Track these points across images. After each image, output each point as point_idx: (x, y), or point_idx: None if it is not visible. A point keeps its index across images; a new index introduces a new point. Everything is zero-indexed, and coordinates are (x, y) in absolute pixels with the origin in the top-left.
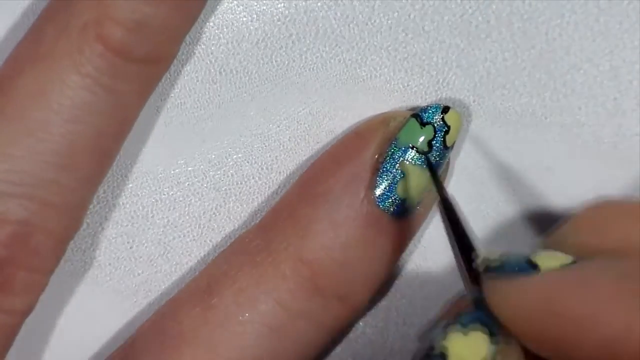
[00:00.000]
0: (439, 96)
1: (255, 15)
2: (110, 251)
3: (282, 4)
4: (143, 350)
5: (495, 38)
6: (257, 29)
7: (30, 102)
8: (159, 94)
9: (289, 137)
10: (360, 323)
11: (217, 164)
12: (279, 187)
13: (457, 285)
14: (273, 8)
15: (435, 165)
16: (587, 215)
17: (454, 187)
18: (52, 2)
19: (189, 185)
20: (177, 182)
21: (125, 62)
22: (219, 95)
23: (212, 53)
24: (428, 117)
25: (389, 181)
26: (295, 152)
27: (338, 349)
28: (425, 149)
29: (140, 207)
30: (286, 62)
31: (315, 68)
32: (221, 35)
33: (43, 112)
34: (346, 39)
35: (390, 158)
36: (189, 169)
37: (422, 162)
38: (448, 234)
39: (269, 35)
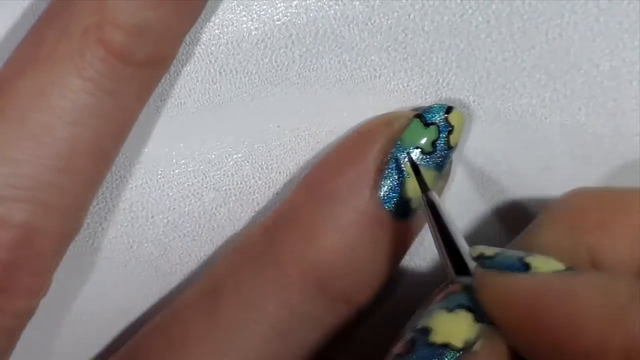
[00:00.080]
0: (439, 96)
1: (255, 16)
2: (110, 251)
3: (282, 4)
4: (147, 351)
5: (495, 38)
6: (257, 29)
7: (32, 105)
8: (159, 94)
9: (289, 137)
10: (361, 322)
11: (217, 164)
12: (279, 187)
13: None
14: (273, 8)
15: (438, 166)
16: (561, 204)
17: (454, 187)
18: (52, 5)
19: (189, 186)
20: (177, 182)
21: (126, 65)
22: (219, 96)
23: (212, 53)
24: (432, 117)
25: (394, 182)
26: (296, 153)
27: (338, 348)
28: (429, 149)
29: (140, 207)
30: (286, 63)
31: (315, 68)
32: (221, 35)
33: (44, 115)
34: (346, 39)
35: (394, 159)
36: (189, 169)
37: (426, 162)
38: (431, 226)
39: (268, 35)
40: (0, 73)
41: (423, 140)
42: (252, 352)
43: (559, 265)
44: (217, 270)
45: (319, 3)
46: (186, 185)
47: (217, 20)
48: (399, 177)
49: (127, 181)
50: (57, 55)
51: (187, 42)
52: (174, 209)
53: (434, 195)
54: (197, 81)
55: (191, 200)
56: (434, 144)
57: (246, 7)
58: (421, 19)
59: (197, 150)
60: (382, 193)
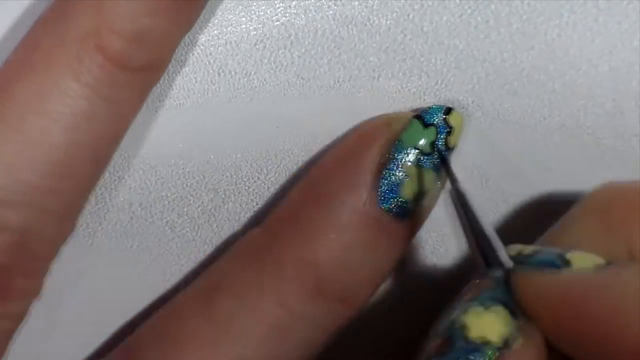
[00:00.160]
0: (438, 97)
1: (254, 16)
2: (109, 251)
3: (281, 5)
4: (145, 350)
5: (494, 39)
6: (255, 30)
7: (29, 110)
8: (158, 95)
9: (288, 137)
10: (359, 322)
11: (216, 164)
12: (278, 188)
13: (456, 284)
14: (272, 9)
15: (437, 167)
16: (594, 198)
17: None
18: (49, 10)
19: (188, 186)
20: (176, 183)
21: (124, 71)
22: (217, 96)
23: (210, 54)
24: (431, 118)
25: (393, 183)
26: (294, 153)
27: (337, 348)
28: (428, 150)
29: (139, 208)
30: (285, 63)
31: (313, 69)
32: (220, 35)
33: (41, 120)
34: (345, 40)
35: (393, 160)
36: (188, 169)
37: (426, 163)
38: (462, 222)
39: (267, 36)
40: None
41: (422, 141)
42: (250, 352)
43: (599, 260)
44: (216, 269)
45: (317, 4)
46: (185, 185)
47: (216, 21)
48: (398, 178)
49: (125, 181)
50: (54, 61)
51: (186, 43)
52: (172, 209)
53: (462, 187)
54: (196, 82)
55: (190, 200)
56: (433, 144)
57: (245, 8)
58: (420, 20)
59: (196, 150)
60: (381, 194)
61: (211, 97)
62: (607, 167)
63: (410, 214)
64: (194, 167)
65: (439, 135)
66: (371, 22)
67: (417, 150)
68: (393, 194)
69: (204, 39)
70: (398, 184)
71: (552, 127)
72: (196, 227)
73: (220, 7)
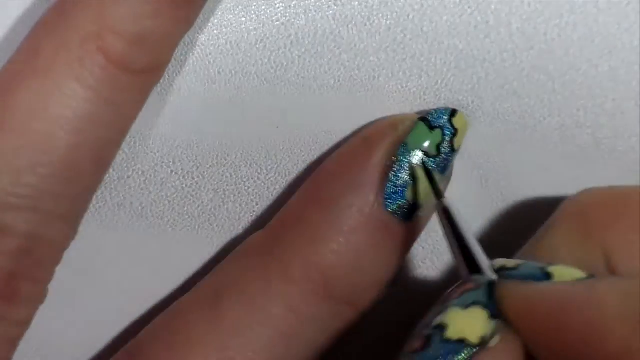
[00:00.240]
0: (438, 97)
1: (254, 16)
2: (109, 251)
3: (281, 5)
4: (150, 351)
5: (494, 39)
6: (255, 30)
7: (32, 115)
8: (158, 95)
9: (287, 137)
10: (359, 322)
11: (216, 164)
12: (278, 188)
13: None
14: (272, 8)
15: (442, 169)
16: (571, 204)
17: (452, 188)
18: (50, 13)
19: (188, 187)
20: (176, 183)
21: (126, 73)
22: (217, 96)
23: (210, 54)
24: (436, 120)
25: (399, 185)
26: (293, 153)
27: (337, 348)
28: (434, 152)
29: (140, 208)
30: (285, 63)
31: (313, 69)
32: (220, 35)
33: (45, 125)
34: (345, 40)
35: (399, 162)
36: (187, 169)
37: (430, 165)
38: (446, 232)
39: (267, 35)
40: None
41: (427, 144)
42: (256, 355)
43: (580, 274)
44: (220, 272)
45: (317, 3)
46: (185, 186)
47: (215, 21)
48: (403, 181)
49: (125, 182)
50: (56, 64)
51: (186, 43)
52: (173, 209)
53: (448, 202)
54: (196, 82)
55: (190, 201)
56: (438, 147)
57: (245, 8)
58: (420, 20)
59: (196, 150)
60: (387, 197)
61: (211, 97)
62: (607, 167)
63: (415, 216)
64: (194, 167)
65: (444, 138)
66: (371, 22)
67: (422, 152)
68: (399, 196)
69: (204, 39)
70: (404, 186)
71: (552, 127)
72: (196, 227)
73: (220, 7)
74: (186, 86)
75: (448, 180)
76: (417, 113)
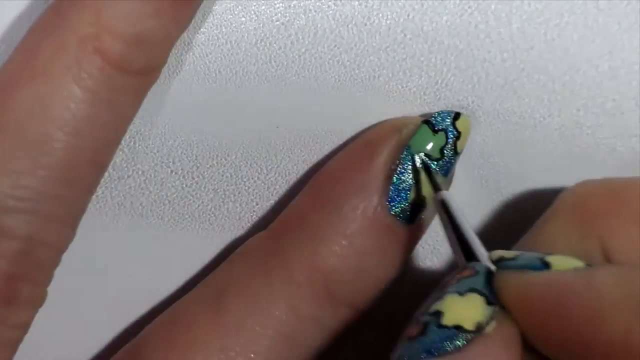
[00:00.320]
0: (438, 97)
1: (254, 16)
2: (110, 252)
3: (281, 5)
4: (151, 351)
5: (494, 39)
6: (255, 30)
7: (31, 117)
8: (158, 95)
9: (287, 137)
10: (362, 323)
11: (216, 164)
12: (278, 188)
13: None
14: (271, 8)
15: (445, 171)
16: (567, 196)
17: (453, 188)
18: (46, 14)
19: (187, 187)
20: (176, 183)
21: (123, 74)
22: (217, 96)
23: (210, 53)
24: (440, 123)
25: (402, 188)
26: (294, 153)
27: (337, 348)
28: (437, 155)
29: (140, 208)
30: (285, 63)
31: (313, 69)
32: (220, 35)
33: (44, 126)
34: (345, 40)
35: (402, 165)
36: (187, 170)
37: (434, 168)
38: (444, 224)
39: (267, 35)
40: None
41: (430, 146)
42: (257, 356)
43: (578, 263)
44: (223, 272)
45: (317, 3)
46: (185, 186)
47: (215, 21)
48: (407, 183)
49: (125, 182)
50: (54, 66)
51: (186, 43)
52: (173, 209)
53: (446, 194)
54: (196, 82)
55: (190, 201)
56: (441, 150)
57: (245, 8)
58: (420, 20)
59: (196, 150)
60: (390, 199)
61: (211, 97)
62: (607, 167)
63: (418, 219)
64: (194, 167)
65: (447, 140)
66: (371, 22)
67: (425, 155)
68: (402, 199)
69: (204, 39)
70: (407, 189)
71: (552, 127)
72: (197, 228)
73: (220, 7)
74: (186, 86)
75: (449, 182)
76: (421, 116)
